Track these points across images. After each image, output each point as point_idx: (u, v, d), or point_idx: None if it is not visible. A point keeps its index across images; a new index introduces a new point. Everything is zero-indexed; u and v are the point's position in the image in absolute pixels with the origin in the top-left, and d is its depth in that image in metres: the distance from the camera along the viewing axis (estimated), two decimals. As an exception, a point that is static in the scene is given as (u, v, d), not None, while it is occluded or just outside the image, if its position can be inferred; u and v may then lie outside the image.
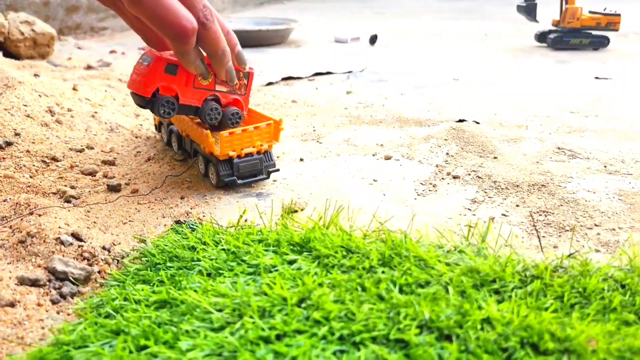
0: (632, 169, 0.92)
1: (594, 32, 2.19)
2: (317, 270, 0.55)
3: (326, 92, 1.49)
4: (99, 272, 0.61)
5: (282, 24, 2.36)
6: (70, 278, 0.58)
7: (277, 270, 0.55)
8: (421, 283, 0.53)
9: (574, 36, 2.17)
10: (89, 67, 1.73)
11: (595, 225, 0.73)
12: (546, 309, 0.49)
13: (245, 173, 0.84)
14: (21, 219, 0.68)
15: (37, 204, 0.72)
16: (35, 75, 1.19)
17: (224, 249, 0.60)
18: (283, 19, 2.51)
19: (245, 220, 0.70)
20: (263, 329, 0.45)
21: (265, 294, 0.50)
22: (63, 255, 0.61)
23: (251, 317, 0.46)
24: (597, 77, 1.69)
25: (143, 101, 0.77)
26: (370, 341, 0.44)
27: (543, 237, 0.71)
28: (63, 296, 0.56)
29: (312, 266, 0.56)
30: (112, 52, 2.04)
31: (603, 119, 1.23)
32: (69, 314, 0.54)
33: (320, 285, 0.51)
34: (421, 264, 0.56)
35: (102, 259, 0.63)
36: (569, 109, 1.32)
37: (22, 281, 0.56)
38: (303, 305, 0.48)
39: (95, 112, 1.08)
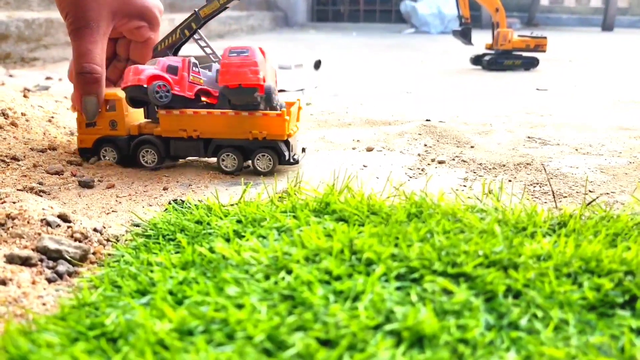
0: (601, 150, 0.96)
1: (525, 54, 2.33)
2: (345, 228, 0.51)
3: (285, 105, 1.47)
4: (94, 253, 0.55)
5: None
6: (66, 256, 0.52)
7: (302, 231, 0.51)
8: (456, 233, 0.51)
9: (507, 57, 2.30)
10: (26, 90, 1.62)
11: (590, 191, 0.75)
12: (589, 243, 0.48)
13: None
14: (-7, 207, 0.60)
15: (7, 194, 0.64)
16: (-20, 82, 1.09)
17: (237, 220, 0.56)
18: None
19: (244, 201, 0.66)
20: (312, 273, 0.41)
21: (304, 246, 0.46)
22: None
23: (297, 262, 0.42)
24: (537, 89, 1.78)
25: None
26: (431, 277, 0.41)
27: (545, 203, 0.71)
28: (59, 275, 0.50)
29: (339, 225, 0.52)
30: (48, 78, 1.93)
31: (557, 117, 1.29)
32: (69, 293, 0.48)
33: (359, 235, 0.48)
34: (450, 217, 0.54)
35: (95, 240, 0.56)
36: (524, 111, 1.37)
37: (11, 259, 0.49)
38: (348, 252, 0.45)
39: (52, 117, 1.00)
